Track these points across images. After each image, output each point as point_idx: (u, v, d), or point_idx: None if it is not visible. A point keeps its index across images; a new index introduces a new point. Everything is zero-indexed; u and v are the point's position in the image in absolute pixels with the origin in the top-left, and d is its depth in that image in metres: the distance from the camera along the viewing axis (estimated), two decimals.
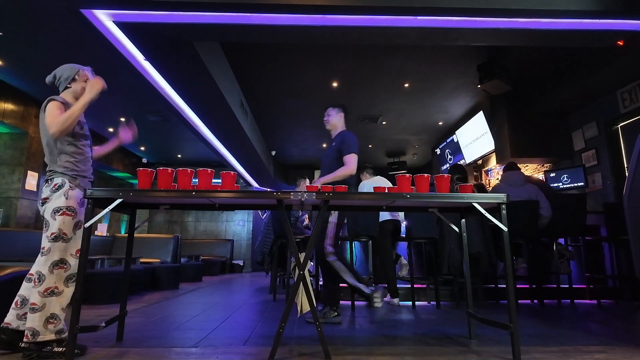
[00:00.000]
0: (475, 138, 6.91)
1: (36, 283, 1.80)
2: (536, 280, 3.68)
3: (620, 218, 3.40)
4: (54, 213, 1.86)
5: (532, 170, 6.42)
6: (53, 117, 1.86)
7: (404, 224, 4.04)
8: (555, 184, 5.40)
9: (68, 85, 2.04)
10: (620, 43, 3.98)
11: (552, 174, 5.54)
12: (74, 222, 1.91)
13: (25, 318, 1.81)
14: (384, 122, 7.57)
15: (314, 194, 1.92)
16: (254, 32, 3.57)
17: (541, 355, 1.87)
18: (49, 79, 2.07)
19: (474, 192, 2.12)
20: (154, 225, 10.31)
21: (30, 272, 1.89)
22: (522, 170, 4.13)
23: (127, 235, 2.31)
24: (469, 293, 2.29)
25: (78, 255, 1.89)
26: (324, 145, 9.14)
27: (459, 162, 7.58)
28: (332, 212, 2.67)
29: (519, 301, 3.69)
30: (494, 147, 6.35)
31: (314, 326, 1.84)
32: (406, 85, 5.95)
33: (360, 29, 3.54)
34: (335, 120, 2.99)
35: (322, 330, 1.81)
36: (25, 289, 1.87)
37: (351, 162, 2.74)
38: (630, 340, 2.21)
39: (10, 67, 5.06)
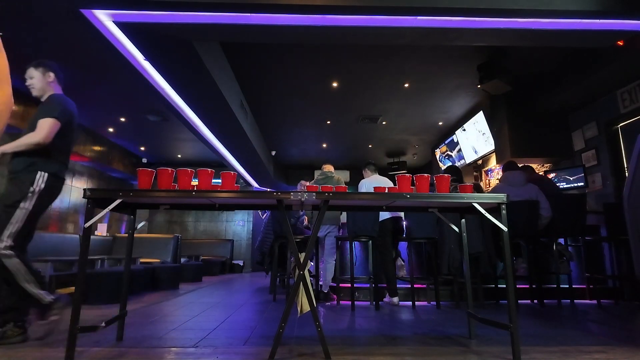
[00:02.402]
0: (475, 138, 6.90)
1: None
2: (536, 280, 3.68)
3: (620, 218, 3.39)
4: None
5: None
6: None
7: (405, 223, 4.04)
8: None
9: None
10: (620, 43, 3.98)
11: (552, 174, 5.54)
12: None
13: None
14: (384, 122, 7.57)
15: (314, 194, 1.92)
16: (254, 32, 3.57)
17: (541, 355, 1.87)
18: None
19: (473, 192, 2.12)
20: (154, 225, 10.31)
21: None
22: (522, 170, 4.13)
23: (127, 235, 2.31)
24: (469, 293, 2.29)
25: None
26: (324, 145, 9.13)
27: (453, 164, 7.59)
28: (29, 197, 2.13)
29: (519, 301, 3.69)
30: (494, 147, 6.35)
31: (314, 326, 1.84)
32: (406, 85, 5.95)
33: (360, 29, 3.54)
34: (41, 84, 2.38)
35: (322, 330, 1.81)
36: None
37: (43, 127, 2.17)
38: (630, 340, 2.21)
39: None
